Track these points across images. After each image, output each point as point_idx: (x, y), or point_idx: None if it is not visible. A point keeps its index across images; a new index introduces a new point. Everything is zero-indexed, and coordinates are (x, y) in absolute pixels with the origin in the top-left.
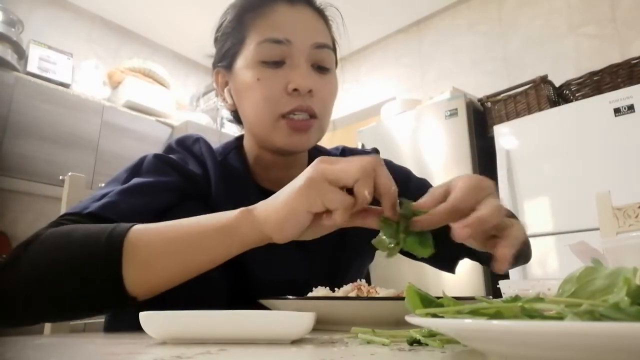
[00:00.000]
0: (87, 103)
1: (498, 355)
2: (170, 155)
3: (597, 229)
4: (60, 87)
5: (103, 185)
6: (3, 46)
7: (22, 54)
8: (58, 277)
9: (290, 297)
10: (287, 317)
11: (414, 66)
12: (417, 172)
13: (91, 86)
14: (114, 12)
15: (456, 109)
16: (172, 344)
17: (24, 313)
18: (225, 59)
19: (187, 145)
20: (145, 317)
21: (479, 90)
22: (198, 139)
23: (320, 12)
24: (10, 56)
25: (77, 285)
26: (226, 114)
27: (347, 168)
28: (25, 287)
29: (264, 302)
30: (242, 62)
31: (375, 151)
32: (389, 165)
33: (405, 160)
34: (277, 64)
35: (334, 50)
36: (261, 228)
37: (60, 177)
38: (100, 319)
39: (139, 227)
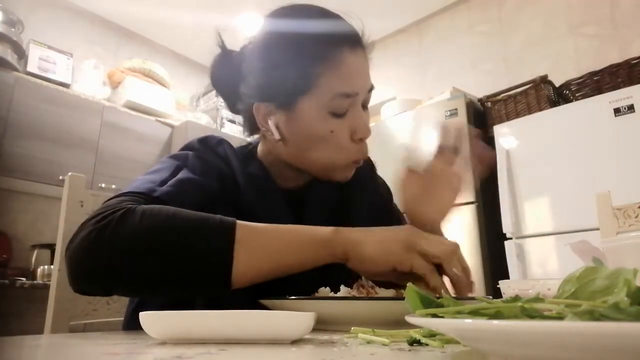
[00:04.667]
0: (87, 103)
1: (498, 355)
2: (206, 158)
3: (597, 229)
4: (60, 87)
5: (150, 170)
6: (3, 46)
7: (22, 54)
8: (167, 250)
9: (290, 297)
10: (287, 317)
11: (414, 66)
12: None
13: (91, 86)
14: (114, 12)
15: (456, 109)
16: (172, 344)
17: (118, 281)
18: (281, 97)
19: (211, 146)
20: (145, 317)
21: (479, 90)
22: (221, 141)
23: (366, 51)
24: (10, 56)
25: (184, 259)
26: (226, 114)
27: (436, 247)
28: (125, 255)
29: (264, 302)
30: (310, 110)
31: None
32: (382, 184)
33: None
34: (343, 114)
35: None
36: (346, 249)
37: (60, 177)
38: (102, 319)
39: (241, 222)
